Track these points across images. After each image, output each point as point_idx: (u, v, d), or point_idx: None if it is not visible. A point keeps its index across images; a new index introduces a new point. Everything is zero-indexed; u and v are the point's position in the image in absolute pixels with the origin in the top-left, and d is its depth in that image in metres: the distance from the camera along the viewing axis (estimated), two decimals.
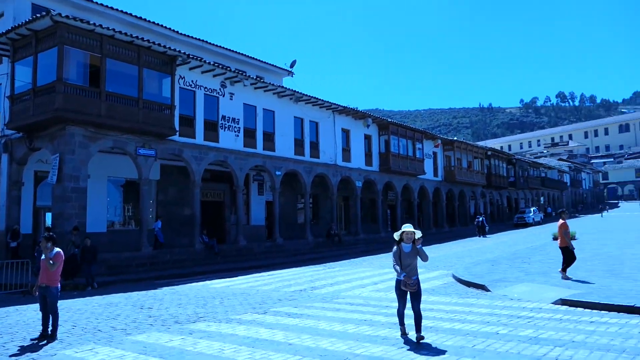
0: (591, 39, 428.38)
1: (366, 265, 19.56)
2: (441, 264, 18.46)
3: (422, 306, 10.14)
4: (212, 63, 22.77)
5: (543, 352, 6.43)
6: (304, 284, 14.63)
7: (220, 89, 23.82)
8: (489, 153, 51.54)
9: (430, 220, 41.21)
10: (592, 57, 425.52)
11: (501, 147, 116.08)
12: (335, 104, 30.09)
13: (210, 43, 27.69)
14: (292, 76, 33.02)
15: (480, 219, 35.22)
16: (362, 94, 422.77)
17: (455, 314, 9.25)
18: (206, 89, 23.15)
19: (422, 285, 13.12)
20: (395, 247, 7.26)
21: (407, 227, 7.29)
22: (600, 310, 9.08)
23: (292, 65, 32.60)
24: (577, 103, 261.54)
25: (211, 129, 23.35)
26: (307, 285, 14.18)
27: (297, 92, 27.26)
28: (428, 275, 15.20)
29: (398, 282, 7.25)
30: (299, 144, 28.40)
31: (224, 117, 23.88)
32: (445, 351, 6.68)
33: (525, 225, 44.98)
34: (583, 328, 7.75)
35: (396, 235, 7.31)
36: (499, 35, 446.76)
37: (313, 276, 16.42)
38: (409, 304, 7.28)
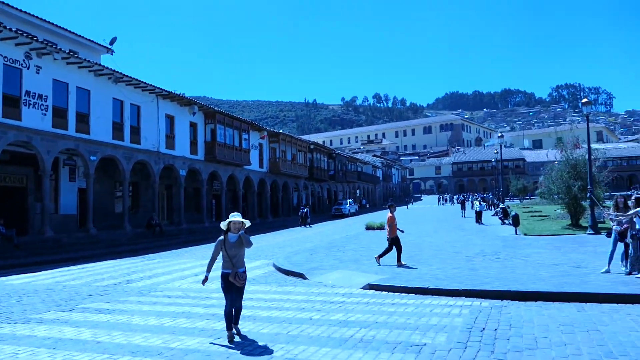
0: (405, 47, 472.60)
1: (188, 256, 19.11)
2: (263, 253, 18.82)
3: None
4: (14, 30, 20.10)
5: (350, 334, 6.93)
6: (119, 277, 13.77)
7: (24, 60, 21.15)
8: (312, 147, 53.83)
9: (254, 211, 41.75)
10: (404, 64, 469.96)
11: (323, 142, 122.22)
12: (159, 88, 28.74)
13: (14, 7, 24.38)
14: (112, 54, 30.67)
15: (305, 209, 36.80)
16: (189, 80, 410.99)
17: (273, 302, 9.50)
18: (6, 59, 20.37)
19: None
20: (220, 237, 6.96)
21: (235, 217, 7.00)
22: (402, 293, 10.08)
23: (112, 43, 30.25)
24: (390, 105, 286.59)
25: (12, 105, 20.64)
26: (123, 279, 13.38)
27: (117, 72, 25.42)
28: (250, 265, 15.37)
29: (224, 275, 6.83)
30: (118, 128, 26.55)
31: (28, 93, 21.28)
32: (258, 341, 6.81)
33: (342, 216, 47.96)
34: (386, 310, 8.53)
35: (223, 225, 7.00)
36: (325, 35, 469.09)
37: (130, 269, 15.54)
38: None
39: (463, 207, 43.56)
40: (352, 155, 77.93)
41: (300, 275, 12.75)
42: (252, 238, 26.19)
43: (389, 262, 14.05)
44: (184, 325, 7.79)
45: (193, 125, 33.46)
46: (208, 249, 21.60)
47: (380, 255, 13.95)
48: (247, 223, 7.09)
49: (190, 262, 16.85)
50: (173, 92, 30.20)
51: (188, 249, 21.94)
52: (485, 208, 34.58)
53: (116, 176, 28.35)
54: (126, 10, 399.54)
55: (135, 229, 27.75)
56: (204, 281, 6.90)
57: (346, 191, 66.75)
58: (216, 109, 35.94)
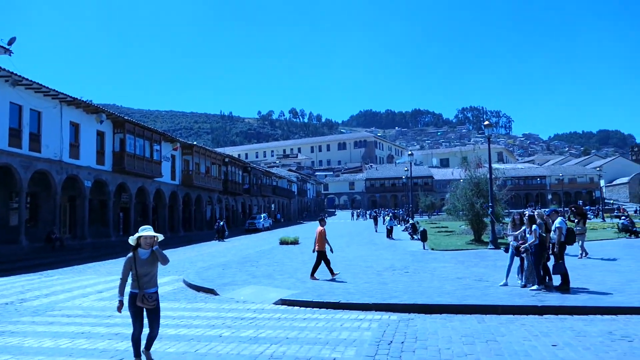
0: (322, 64, 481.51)
1: (91, 272, 18.06)
2: (173, 269, 18.21)
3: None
4: None
5: (260, 351, 6.85)
6: (11, 295, 12.73)
7: None
8: (227, 160, 53.15)
9: (166, 224, 40.39)
10: (321, 80, 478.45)
11: (239, 155, 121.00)
12: (63, 93, 27.16)
13: None
14: (10, 55, 28.47)
15: (221, 223, 36.18)
16: (97, 87, 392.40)
17: (182, 320, 9.20)
18: None
19: None
20: (130, 254, 6.20)
21: (146, 231, 6.25)
22: (314, 307, 10.13)
23: (10, 43, 28.13)
24: (306, 120, 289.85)
25: None
26: (16, 297, 12.39)
27: (15, 74, 23.77)
28: (158, 282, 14.81)
29: (132, 296, 6.12)
30: (15, 135, 24.73)
31: None
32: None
33: (256, 230, 47.41)
34: (297, 325, 8.53)
35: (132, 240, 6.26)
36: (242, 46, 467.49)
37: (25, 286, 14.43)
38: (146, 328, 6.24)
39: (375, 222, 44.90)
40: (267, 169, 77.78)
41: (211, 291, 12.46)
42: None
43: (300, 277, 14.08)
44: (83, 347, 7.33)
45: (100, 134, 31.92)
46: (114, 264, 20.56)
47: (312, 272, 13.86)
48: (160, 237, 6.38)
49: (94, 279, 15.94)
50: (79, 98, 28.68)
51: (92, 265, 20.76)
52: (396, 224, 35.77)
53: (12, 186, 26.34)
54: (28, 9, 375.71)
55: (33, 244, 25.87)
56: (119, 307, 6.18)
57: (261, 205, 66.40)
58: (126, 117, 34.56)
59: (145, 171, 35.62)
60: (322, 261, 14.05)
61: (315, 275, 13.89)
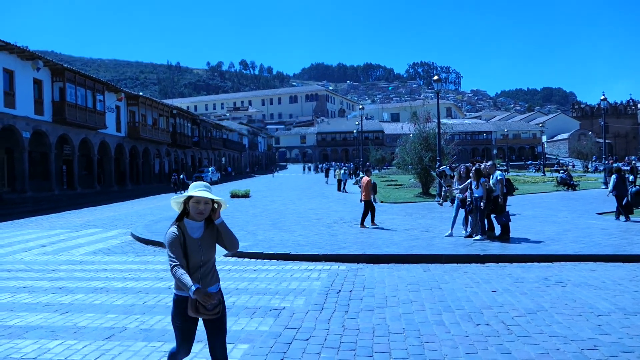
0: (272, 14, 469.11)
1: (33, 226, 17.46)
2: (120, 222, 17.85)
3: (94, 267, 9.72)
4: None
5: None
6: None
7: None
8: (175, 112, 51.75)
9: (112, 178, 39.27)
10: (271, 31, 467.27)
11: (187, 107, 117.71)
12: None
13: None
14: None
15: (182, 175, 37.74)
16: (34, 32, 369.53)
17: (129, 272, 9.08)
18: None
19: (97, 245, 12.66)
20: (173, 230, 3.54)
21: (199, 190, 3.57)
22: (264, 259, 10.20)
23: None
24: (257, 72, 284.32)
25: None
26: None
27: None
28: (104, 235, 14.52)
29: (179, 301, 3.58)
30: None
31: None
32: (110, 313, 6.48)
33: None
34: (247, 276, 8.57)
35: (176, 204, 3.68)
36: None
37: None
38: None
39: (327, 175, 45.63)
40: (217, 122, 76.37)
41: (161, 244, 12.31)
42: (109, 207, 24.71)
43: (251, 229, 14.10)
44: (25, 301, 7.13)
45: (38, 83, 30.26)
46: (58, 218, 19.96)
47: (362, 220, 14.24)
48: (224, 203, 3.65)
49: (36, 233, 15.43)
50: (12, 43, 26.91)
51: (34, 219, 20.05)
52: (349, 177, 36.33)
53: None
54: None
55: None
56: (208, 298, 3.41)
57: (211, 158, 65.51)
58: (66, 65, 32.81)
59: (88, 122, 34.24)
60: (369, 209, 14.35)
61: (364, 223, 14.25)
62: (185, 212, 3.65)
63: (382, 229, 13.78)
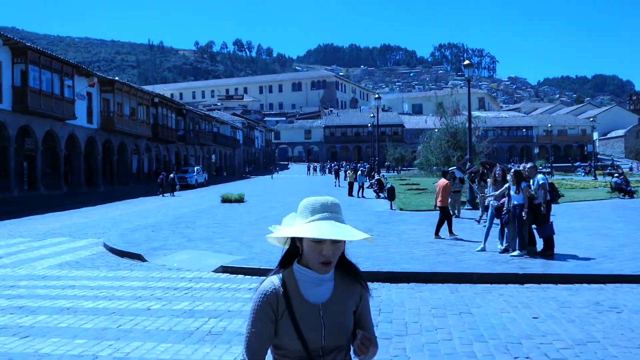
0: None
1: None
2: (92, 230, 17.91)
3: (60, 282, 9.76)
4: None
5: (197, 326, 6.87)
6: None
7: None
8: (157, 100, 51.97)
9: (82, 177, 39.46)
10: (272, 8, 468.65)
11: (172, 95, 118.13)
12: None
13: None
14: None
15: (172, 175, 37.92)
16: None
17: (101, 290, 9.10)
18: None
19: (64, 257, 12.74)
20: (268, 286, 2.31)
21: (322, 220, 2.32)
22: (261, 275, 10.15)
23: None
24: (254, 54, 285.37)
25: None
26: None
27: None
28: (72, 245, 14.58)
29: None
30: None
31: None
32: (79, 337, 6.49)
33: (188, 186, 45.91)
34: (241, 296, 8.57)
35: (278, 240, 2.57)
36: None
37: None
38: None
39: (337, 176, 45.71)
40: (206, 112, 76.61)
41: (139, 257, 12.35)
42: (78, 211, 24.82)
43: (247, 240, 14.12)
44: None
45: None
46: (17, 224, 20.06)
47: (437, 230, 14.19)
48: (371, 241, 2.38)
49: None
50: None
51: None
52: (367, 180, 36.31)
53: None
54: None
55: None
56: None
57: (199, 156, 65.71)
58: (29, 44, 33.01)
59: (55, 111, 34.42)
60: (446, 217, 14.33)
61: (439, 233, 14.24)
62: (297, 252, 2.40)
63: (462, 240, 13.80)
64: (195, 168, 50.29)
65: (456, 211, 19.21)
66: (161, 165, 54.11)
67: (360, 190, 33.06)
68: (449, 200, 19.65)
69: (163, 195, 36.08)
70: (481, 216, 16.77)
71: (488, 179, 15.45)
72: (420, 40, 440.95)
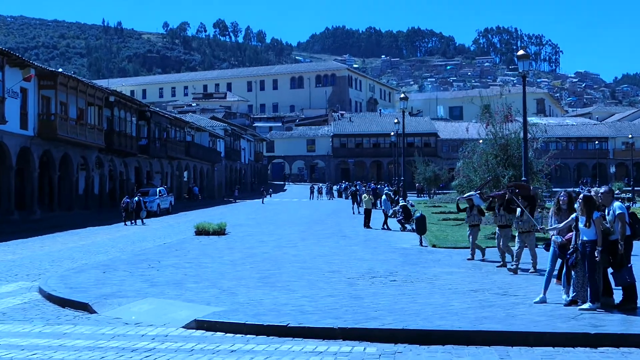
0: None
1: None
2: (23, 270, 17.91)
3: None
4: None
5: None
6: None
7: None
8: (113, 99, 52.10)
9: (11, 200, 39.51)
10: None
11: (132, 93, 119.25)
12: None
13: None
14: None
15: (137, 199, 38.17)
16: None
17: (36, 352, 9.08)
18: None
19: None
20: None
21: None
22: (248, 333, 10.13)
23: None
24: (241, 39, 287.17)
25: None
26: None
27: None
28: None
29: None
30: None
31: None
32: None
33: (149, 214, 44.26)
34: None
35: None
36: None
37: None
38: None
39: (355, 200, 45.59)
40: (177, 115, 76.80)
41: (85, 307, 12.32)
42: (4, 245, 24.79)
43: (227, 285, 14.08)
44: None
45: None
46: None
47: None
48: None
49: None
50: None
51: None
52: (392, 208, 36.09)
53: None
54: None
55: None
56: None
57: (167, 173, 65.80)
58: None
59: None
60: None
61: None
62: None
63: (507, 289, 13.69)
64: (158, 189, 49.96)
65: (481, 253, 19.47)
66: (117, 183, 54.20)
67: (386, 221, 32.97)
68: (469, 235, 20.08)
69: (126, 224, 36.68)
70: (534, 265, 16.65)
71: (517, 209, 15.87)
72: (460, 23, 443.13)
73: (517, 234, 16.73)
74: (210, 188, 79.80)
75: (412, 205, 35.98)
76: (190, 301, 12.39)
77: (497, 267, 17.41)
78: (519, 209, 16.10)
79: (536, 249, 16.58)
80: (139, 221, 38.01)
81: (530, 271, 16.23)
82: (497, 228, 18.13)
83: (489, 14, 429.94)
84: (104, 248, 24.11)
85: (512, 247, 17.27)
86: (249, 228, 32.45)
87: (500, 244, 17.76)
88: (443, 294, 13.07)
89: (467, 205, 20.78)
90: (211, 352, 9.05)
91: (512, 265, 16.41)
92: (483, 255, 19.43)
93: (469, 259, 19.14)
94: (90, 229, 34.15)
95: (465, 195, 22.16)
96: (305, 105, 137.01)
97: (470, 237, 19.90)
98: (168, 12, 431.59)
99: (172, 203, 51.77)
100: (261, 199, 66.68)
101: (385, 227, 32.42)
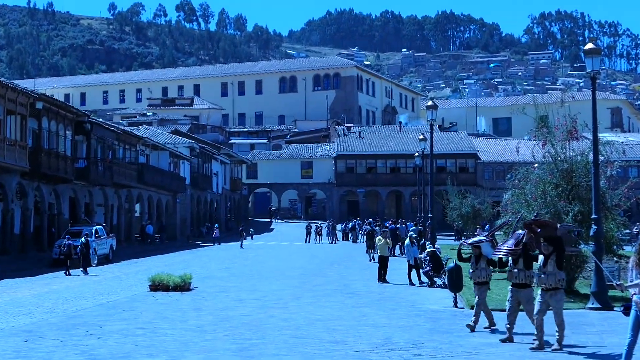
0: None
1: None
2: None
3: None
4: None
5: None
6: None
7: None
8: (41, 106, 52.15)
9: None
10: None
11: (67, 97, 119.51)
12: None
13: None
14: None
15: (83, 239, 38.74)
16: None
17: None
18: None
19: None
20: None
21: None
22: None
23: None
24: (212, 27, 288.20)
25: None
26: None
27: None
28: None
29: None
30: None
31: None
32: None
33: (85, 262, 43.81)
34: None
35: None
36: None
37: None
38: None
39: (371, 241, 45.58)
40: (127, 129, 76.79)
41: None
42: None
43: (216, 354, 14.00)
44: None
45: None
46: None
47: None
48: None
49: None
50: None
51: None
52: (420, 255, 35.98)
53: None
54: None
55: None
56: None
57: (112, 205, 65.56)
58: None
59: None
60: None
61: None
62: None
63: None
64: (93, 228, 48.80)
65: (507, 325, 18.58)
66: (45, 218, 53.97)
67: (411, 273, 32.84)
68: (475, 296, 19.27)
69: (68, 274, 36.90)
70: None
71: (538, 256, 15.37)
72: (507, 6, 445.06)
73: (539, 292, 15.90)
74: (171, 226, 79.55)
75: (439, 252, 35.97)
76: None
77: (532, 348, 15.76)
78: (540, 257, 15.54)
79: (612, 311, 16.48)
80: (88, 269, 38.24)
81: (553, 348, 15.48)
82: (511, 288, 16.87)
83: None
84: (26, 307, 24.00)
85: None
86: (222, 281, 32.33)
87: (509, 309, 16.79)
88: None
89: (473, 254, 19.71)
90: None
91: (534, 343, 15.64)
92: (491, 323, 19.03)
93: (486, 328, 18.77)
94: (8, 281, 34.05)
95: (471, 241, 21.47)
96: (299, 115, 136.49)
97: (476, 298, 19.07)
98: None
99: (114, 247, 51.25)
100: (239, 242, 66.62)
101: (410, 281, 32.32)
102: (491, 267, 19.37)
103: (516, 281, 16.62)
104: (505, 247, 16.98)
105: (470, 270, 19.41)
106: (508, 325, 16.57)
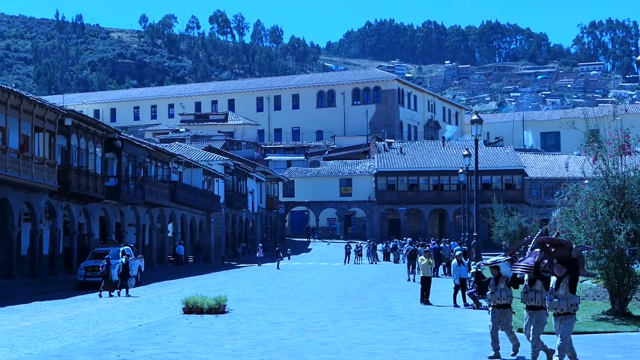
0: None
1: None
2: None
3: None
4: None
5: None
6: None
7: None
8: (70, 122, 52.41)
9: None
10: None
11: (97, 113, 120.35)
12: None
13: None
14: None
15: (123, 260, 39.51)
16: None
17: None
18: None
19: None
20: None
21: None
22: None
23: None
24: (247, 39, 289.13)
25: None
26: None
27: None
28: None
29: None
30: None
31: None
32: None
33: (109, 285, 43.25)
34: None
35: None
36: None
37: None
38: None
39: (412, 262, 45.55)
40: (159, 145, 77.05)
41: None
42: None
43: None
44: None
45: None
46: None
47: None
48: None
49: None
50: None
51: None
52: (469, 277, 35.77)
53: None
54: None
55: None
56: None
57: (144, 225, 65.76)
58: None
59: None
60: None
61: None
62: None
63: None
64: (120, 249, 47.85)
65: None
66: (77, 239, 54.06)
67: (457, 294, 32.71)
68: (489, 323, 18.93)
69: (102, 295, 37.38)
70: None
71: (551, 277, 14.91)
72: (556, 15, 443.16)
73: (554, 317, 15.16)
74: (205, 247, 79.61)
75: (481, 271, 35.74)
76: None
77: None
78: (553, 278, 14.76)
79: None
80: (122, 291, 38.66)
81: None
82: (527, 311, 16.70)
83: (596, 3, 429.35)
84: (55, 331, 24.08)
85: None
86: (258, 304, 32.35)
87: (531, 333, 16.45)
88: None
89: (492, 276, 19.49)
90: None
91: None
92: (515, 351, 18.84)
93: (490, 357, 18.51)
94: (37, 304, 34.20)
95: (489, 262, 20.84)
96: (337, 130, 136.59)
97: (491, 324, 18.90)
98: (145, 2, 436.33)
99: (142, 269, 50.85)
100: (276, 263, 66.59)
101: (455, 303, 32.22)
102: (512, 288, 18.89)
103: (532, 304, 16.29)
104: (524, 264, 16.37)
105: (489, 292, 19.13)
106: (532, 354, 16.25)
